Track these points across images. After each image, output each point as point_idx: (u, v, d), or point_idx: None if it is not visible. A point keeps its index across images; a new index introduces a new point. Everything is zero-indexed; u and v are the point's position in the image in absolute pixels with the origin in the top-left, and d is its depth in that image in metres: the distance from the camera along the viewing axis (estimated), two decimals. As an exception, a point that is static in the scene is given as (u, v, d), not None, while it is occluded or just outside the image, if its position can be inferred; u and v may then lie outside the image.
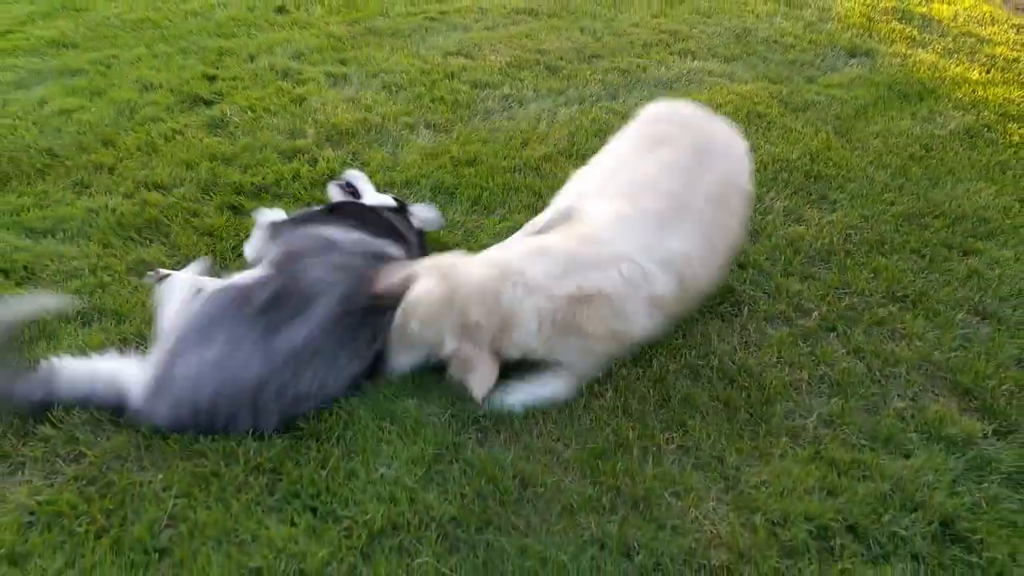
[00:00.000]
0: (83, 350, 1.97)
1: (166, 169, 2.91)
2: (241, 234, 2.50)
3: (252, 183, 2.86)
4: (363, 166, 3.03)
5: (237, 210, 2.70)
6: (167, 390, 1.75)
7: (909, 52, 4.27)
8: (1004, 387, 2.05)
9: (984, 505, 1.73)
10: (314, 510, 1.66)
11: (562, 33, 4.45)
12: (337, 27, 4.37)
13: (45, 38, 4.06)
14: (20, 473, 1.71)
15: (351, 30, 4.35)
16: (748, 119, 3.43)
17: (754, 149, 3.14)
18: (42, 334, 2.05)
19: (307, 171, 2.96)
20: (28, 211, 2.61)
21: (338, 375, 1.89)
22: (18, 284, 2.27)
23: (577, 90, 3.76)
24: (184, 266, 2.25)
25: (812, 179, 2.99)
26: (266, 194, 2.83)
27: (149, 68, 3.75)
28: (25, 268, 2.33)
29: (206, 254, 2.40)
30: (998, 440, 1.92)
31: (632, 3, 4.96)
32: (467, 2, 4.88)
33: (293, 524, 1.62)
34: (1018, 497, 1.76)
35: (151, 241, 2.50)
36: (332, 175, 2.86)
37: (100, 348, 1.99)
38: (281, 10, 4.58)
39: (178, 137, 3.15)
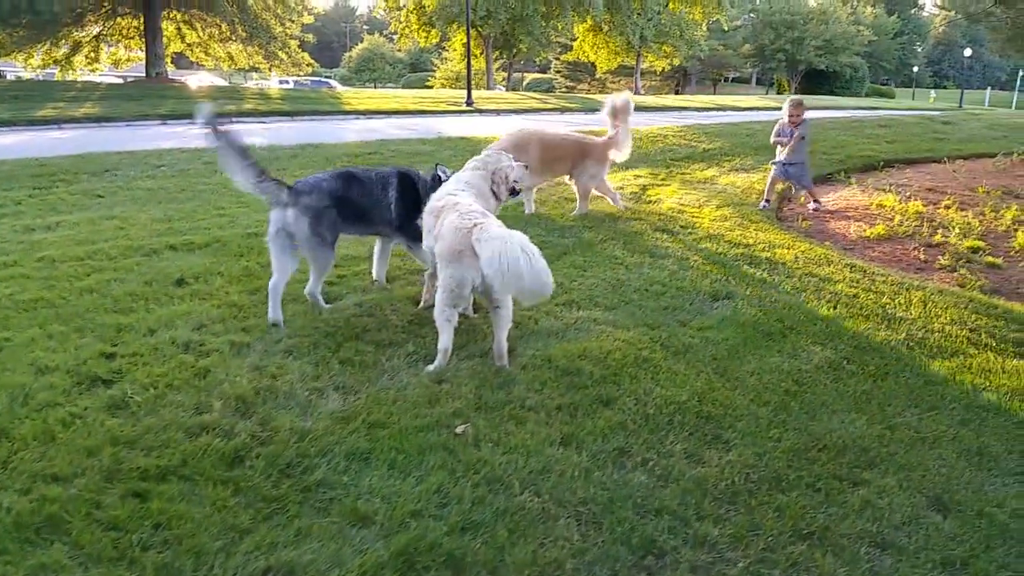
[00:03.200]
0: None
1: (65, 458, 2.79)
2: (146, 523, 2.39)
3: (158, 466, 2.77)
4: (272, 433, 3.03)
5: (143, 497, 2.59)
6: None
7: (764, 293, 4.87)
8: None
9: None
10: None
11: (455, 290, 4.77)
12: (238, 296, 4.51)
13: (-71, 324, 3.95)
14: None
15: (252, 299, 4.49)
16: (637, 364, 3.73)
17: (648, 394, 3.44)
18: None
19: (217, 445, 2.92)
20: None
21: None
22: None
23: (478, 345, 3.98)
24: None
25: (704, 419, 3.24)
26: (173, 476, 2.74)
27: (44, 350, 3.68)
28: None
29: (111, 551, 2.26)
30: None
31: (516, 260, 5.44)
32: (365, 266, 5.19)
33: None
34: None
35: (51, 542, 2.34)
36: (241, 450, 2.83)
37: None
38: (180, 283, 4.70)
39: (77, 422, 3.05)
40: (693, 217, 7.14)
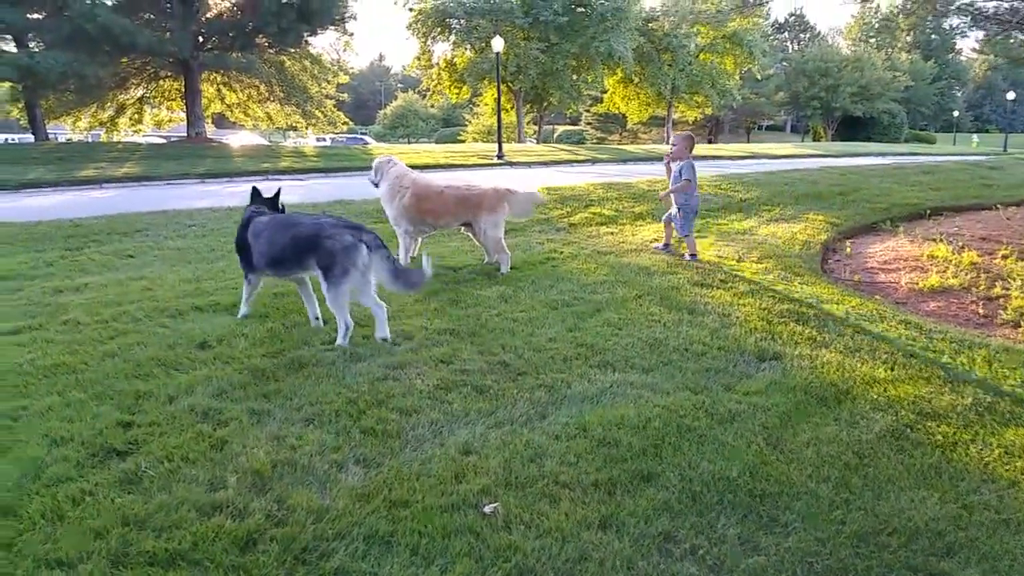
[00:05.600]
0: None
1: (72, 541, 2.61)
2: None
3: (167, 549, 2.58)
4: (288, 513, 2.83)
5: (148, 587, 2.39)
6: None
7: (814, 353, 4.57)
8: None
9: None
10: None
11: (484, 351, 4.58)
12: (260, 360, 4.36)
13: (-52, 391, 3.85)
14: None
15: (274, 362, 4.34)
16: (679, 433, 3.46)
17: (693, 468, 3.16)
18: None
19: (230, 526, 2.72)
20: None
21: None
22: None
23: (506, 410, 3.76)
24: None
25: (757, 498, 2.95)
26: (182, 561, 2.55)
27: (60, 419, 3.54)
28: None
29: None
30: None
31: (546, 319, 5.24)
32: (390, 326, 5.02)
33: None
34: None
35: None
36: (254, 532, 2.63)
37: None
38: (203, 346, 4.57)
39: (88, 499, 2.88)
40: (733, 270, 6.88)
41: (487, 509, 2.86)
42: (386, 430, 3.52)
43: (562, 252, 7.56)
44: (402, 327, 5.00)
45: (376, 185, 6.97)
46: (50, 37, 26.07)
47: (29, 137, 33.91)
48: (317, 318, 5.04)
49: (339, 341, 4.65)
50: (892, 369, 4.37)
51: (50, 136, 33.59)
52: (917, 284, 6.64)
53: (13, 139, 39.92)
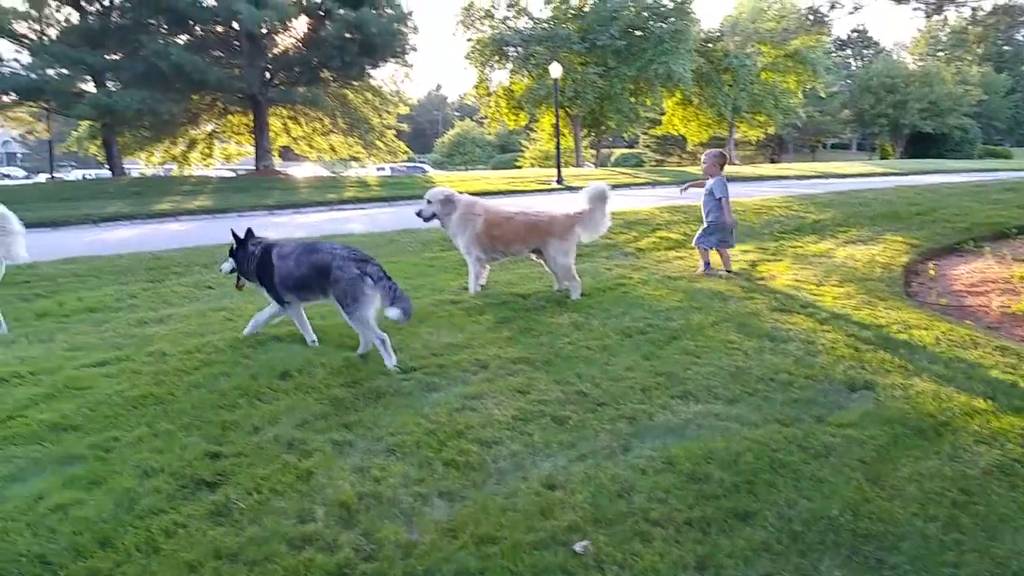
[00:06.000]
0: None
1: (167, 574, 2.65)
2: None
3: (259, 586, 2.61)
4: (377, 547, 2.81)
5: (243, 623, 2.40)
6: None
7: (907, 382, 4.36)
8: None
9: None
10: None
11: (560, 381, 4.52)
12: (340, 390, 4.40)
13: (46, 422, 3.98)
14: None
15: (353, 392, 4.37)
16: (773, 469, 3.33)
17: (791, 506, 3.03)
18: None
19: (321, 560, 2.72)
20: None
21: None
22: None
23: (588, 442, 3.69)
24: None
25: (862, 538, 2.80)
26: (275, 597, 2.56)
27: (151, 450, 3.63)
28: None
29: None
30: None
31: (621, 347, 5.16)
32: (464, 355, 5.03)
33: None
34: None
35: None
36: (345, 567, 2.62)
37: None
38: (284, 376, 4.63)
39: (180, 531, 2.93)
40: (813, 295, 6.66)
41: (577, 547, 2.79)
42: (468, 462, 3.49)
43: (632, 278, 7.46)
44: (476, 356, 4.99)
45: (426, 219, 6.93)
46: (126, 76, 27.52)
47: (106, 173, 35.65)
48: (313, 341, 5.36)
49: (385, 361, 4.82)
50: (993, 399, 4.13)
51: (126, 171, 35.25)
52: (1010, 307, 6.31)
53: (91, 175, 42.00)
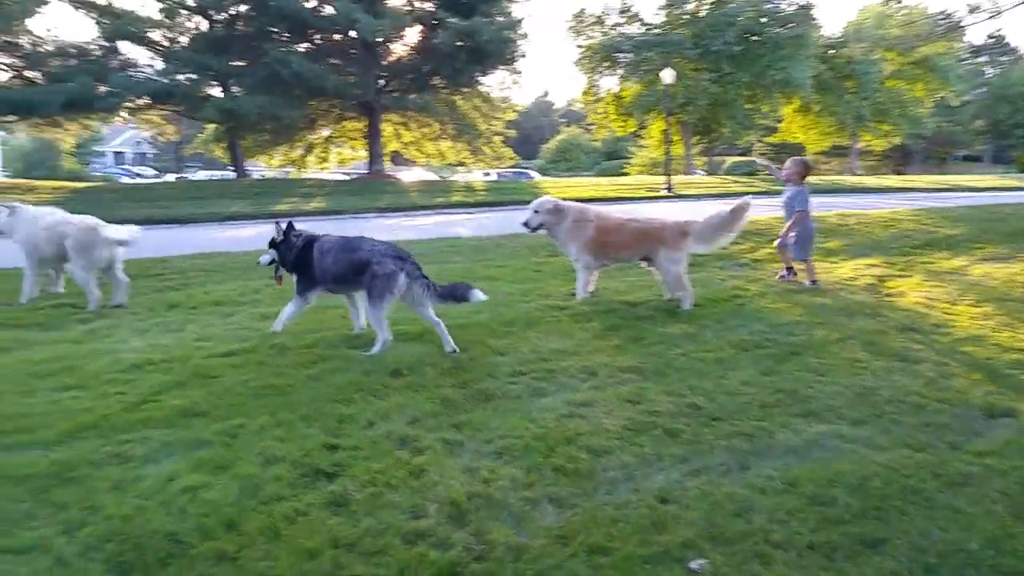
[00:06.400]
0: None
1: (288, 559, 2.74)
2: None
3: (376, 575, 2.65)
4: (487, 548, 2.81)
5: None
6: None
7: (1057, 413, 4.01)
8: None
9: None
10: None
11: (672, 392, 4.41)
12: (449, 390, 4.45)
13: (177, 407, 4.22)
14: None
15: (463, 393, 4.41)
16: (904, 496, 3.11)
17: (925, 537, 2.82)
18: None
19: (433, 556, 2.75)
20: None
21: None
22: None
23: (702, 458, 3.57)
24: None
25: (1005, 577, 2.58)
26: (388, 589, 2.59)
27: (273, 438, 3.78)
28: None
29: None
30: None
31: (737, 360, 4.98)
32: (572, 361, 4.98)
33: None
34: None
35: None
36: (456, 565, 2.63)
37: None
38: (395, 374, 4.73)
39: (300, 519, 3.02)
40: (946, 314, 6.23)
41: (694, 565, 2.70)
42: (577, 469, 3.45)
43: (749, 289, 7.21)
44: (584, 363, 4.94)
45: (533, 228, 6.87)
46: (249, 82, 29.09)
47: (230, 174, 37.78)
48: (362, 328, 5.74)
49: (372, 351, 5.18)
50: None
51: (248, 172, 37.24)
52: None
53: (216, 175, 44.61)
